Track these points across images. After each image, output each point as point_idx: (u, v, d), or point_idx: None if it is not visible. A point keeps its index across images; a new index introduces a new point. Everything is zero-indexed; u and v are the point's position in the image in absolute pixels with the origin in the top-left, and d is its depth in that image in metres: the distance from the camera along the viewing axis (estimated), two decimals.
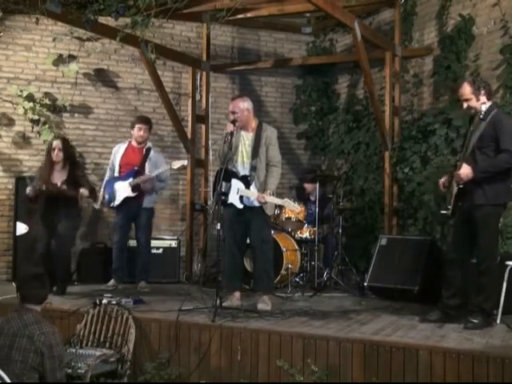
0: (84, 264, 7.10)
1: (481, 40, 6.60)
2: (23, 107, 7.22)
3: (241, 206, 5.19)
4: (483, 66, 6.53)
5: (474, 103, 4.52)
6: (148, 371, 4.57)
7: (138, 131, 6.34)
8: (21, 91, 7.22)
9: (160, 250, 6.80)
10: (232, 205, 5.18)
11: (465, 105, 4.59)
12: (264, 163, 5.23)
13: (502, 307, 4.61)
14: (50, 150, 5.94)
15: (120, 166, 6.31)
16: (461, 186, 4.52)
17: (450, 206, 4.65)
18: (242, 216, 5.24)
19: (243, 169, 5.25)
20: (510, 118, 4.66)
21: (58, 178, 5.83)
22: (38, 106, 7.29)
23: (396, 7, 7.32)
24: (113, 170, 6.38)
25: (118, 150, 6.39)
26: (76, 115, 7.57)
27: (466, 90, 4.53)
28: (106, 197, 6.31)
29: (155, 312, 5.03)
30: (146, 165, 6.30)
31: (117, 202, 6.24)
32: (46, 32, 7.43)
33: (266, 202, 5.14)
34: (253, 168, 5.21)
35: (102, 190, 6.45)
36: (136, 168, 6.25)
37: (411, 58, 7.49)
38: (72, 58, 7.51)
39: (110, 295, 5.28)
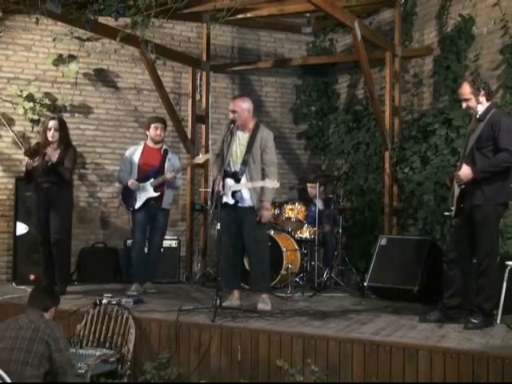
0: (84, 264, 7.09)
1: (481, 40, 6.60)
2: (23, 107, 7.22)
3: (232, 202, 5.17)
4: (483, 66, 6.53)
5: (472, 103, 4.53)
6: (148, 371, 4.57)
7: (154, 130, 6.26)
8: (21, 91, 7.22)
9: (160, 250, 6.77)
10: (226, 205, 5.17)
11: (464, 105, 4.62)
12: (258, 164, 5.21)
13: (502, 307, 4.61)
14: (45, 129, 5.87)
15: (139, 168, 6.21)
16: (462, 187, 4.52)
17: (452, 208, 4.65)
18: (236, 216, 5.24)
19: (235, 167, 5.26)
20: (508, 117, 4.66)
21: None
22: (38, 106, 7.29)
23: (396, 7, 7.33)
24: (128, 173, 6.24)
25: (135, 152, 6.28)
26: (76, 115, 7.57)
27: (466, 90, 4.55)
28: (125, 201, 6.28)
29: (155, 312, 5.03)
30: (166, 164, 6.26)
31: (138, 204, 6.13)
32: (45, 32, 7.42)
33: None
34: (243, 162, 5.20)
35: (120, 195, 6.44)
36: (156, 168, 6.19)
37: (411, 58, 7.50)
38: (72, 57, 7.51)
39: (110, 295, 5.27)
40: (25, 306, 4.09)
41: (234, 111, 5.21)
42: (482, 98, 4.52)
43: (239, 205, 5.21)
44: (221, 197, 5.06)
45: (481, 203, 4.45)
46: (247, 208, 5.22)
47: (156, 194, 6.14)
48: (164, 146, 6.41)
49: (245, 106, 5.24)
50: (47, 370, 3.71)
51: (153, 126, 6.28)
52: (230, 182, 5.17)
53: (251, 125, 5.31)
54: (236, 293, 5.36)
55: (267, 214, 5.19)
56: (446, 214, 4.84)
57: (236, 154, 5.26)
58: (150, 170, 6.19)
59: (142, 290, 6.00)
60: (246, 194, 5.22)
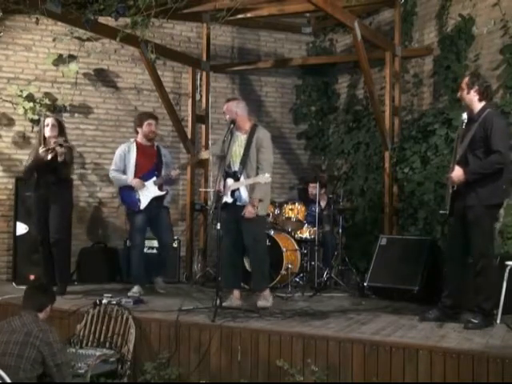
0: (84, 264, 7.09)
1: (481, 40, 6.60)
2: (23, 107, 7.21)
3: (230, 200, 5.25)
4: (483, 66, 6.52)
5: (464, 95, 4.62)
6: (148, 371, 4.57)
7: (148, 127, 6.08)
8: (21, 91, 7.22)
9: (154, 251, 6.73)
10: (227, 204, 5.23)
11: (459, 93, 4.71)
12: (254, 164, 5.29)
13: (502, 307, 4.62)
14: (42, 126, 5.84)
15: (136, 167, 6.03)
16: (455, 188, 4.55)
17: (447, 206, 4.67)
18: (235, 215, 5.28)
19: (234, 166, 5.36)
20: (501, 118, 4.68)
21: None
22: (38, 106, 7.29)
23: (396, 7, 7.32)
24: (122, 172, 6.06)
25: (129, 151, 6.07)
26: (76, 115, 7.57)
27: (464, 80, 4.67)
28: (127, 203, 6.10)
29: (155, 312, 5.04)
30: (163, 161, 6.17)
31: (144, 205, 5.97)
32: (45, 32, 7.43)
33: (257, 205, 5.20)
34: (242, 162, 5.29)
35: (119, 196, 6.29)
36: (155, 166, 6.08)
37: (411, 58, 7.49)
38: (72, 57, 7.51)
39: (110, 295, 5.27)
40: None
41: (224, 113, 5.41)
42: (474, 94, 4.56)
43: (238, 203, 5.28)
44: (221, 197, 5.12)
45: (473, 204, 4.46)
46: (245, 207, 5.26)
47: (163, 193, 6.05)
48: (156, 143, 6.30)
49: (233, 108, 5.36)
50: (43, 372, 3.70)
51: (146, 122, 6.09)
52: (229, 181, 5.27)
53: (248, 126, 5.42)
54: (236, 293, 5.37)
55: (251, 210, 5.17)
56: (442, 212, 4.85)
57: (235, 155, 5.35)
58: (149, 169, 6.07)
59: (143, 292, 5.95)
60: (244, 193, 5.29)
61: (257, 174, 5.22)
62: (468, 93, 4.57)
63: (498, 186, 4.45)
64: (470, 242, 4.52)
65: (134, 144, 6.14)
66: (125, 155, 6.09)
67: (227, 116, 5.38)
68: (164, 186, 6.15)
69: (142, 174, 6.05)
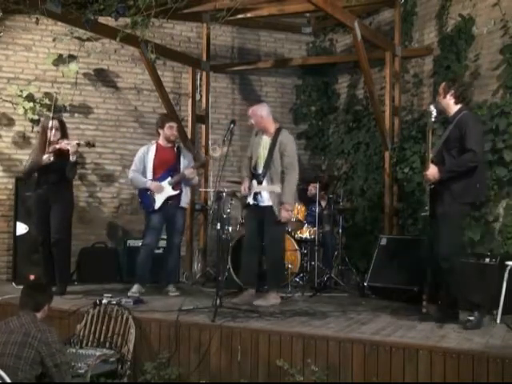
0: (84, 264, 7.09)
1: (481, 40, 6.60)
2: (23, 107, 7.22)
3: (252, 202, 5.54)
4: (483, 66, 6.53)
5: (441, 99, 4.73)
6: (148, 371, 4.57)
7: (170, 130, 6.10)
8: (21, 91, 7.22)
9: (160, 250, 6.75)
10: (249, 205, 5.57)
11: (437, 98, 4.85)
12: (278, 167, 5.49)
13: (502, 307, 4.62)
14: (44, 129, 5.81)
15: (154, 167, 6.07)
16: (431, 187, 4.60)
17: (427, 207, 4.69)
18: (256, 215, 5.57)
19: (259, 169, 5.59)
20: (476, 119, 4.77)
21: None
22: (38, 106, 7.29)
23: (396, 7, 7.33)
24: (140, 173, 6.09)
25: (148, 152, 6.11)
26: (76, 115, 7.57)
27: (442, 85, 4.78)
28: (145, 204, 6.11)
29: (155, 312, 5.03)
30: (181, 162, 6.16)
31: (158, 204, 6.00)
32: (45, 32, 7.43)
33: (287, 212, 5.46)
34: (265, 165, 5.51)
35: (137, 198, 6.33)
36: (172, 167, 6.08)
37: (411, 58, 7.50)
38: (72, 57, 7.51)
39: (110, 295, 5.26)
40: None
41: (250, 117, 5.63)
42: (450, 98, 4.66)
43: (260, 204, 5.53)
44: (245, 197, 5.58)
45: (448, 202, 4.50)
46: (266, 207, 5.51)
47: (175, 192, 6.05)
48: (176, 144, 6.31)
49: (257, 112, 5.59)
50: (42, 372, 3.69)
51: (168, 125, 6.11)
52: (254, 183, 5.56)
53: (273, 129, 5.61)
54: (251, 291, 5.58)
55: (286, 214, 5.45)
56: (423, 214, 4.89)
57: (260, 157, 5.58)
58: (166, 169, 6.07)
59: (143, 291, 5.93)
60: (265, 194, 5.53)
61: (282, 177, 5.45)
62: (444, 97, 4.68)
63: (472, 184, 4.50)
64: (439, 237, 4.53)
65: (154, 146, 6.17)
66: (144, 157, 6.13)
67: (252, 120, 5.58)
68: (184, 185, 6.15)
69: (159, 175, 6.07)
